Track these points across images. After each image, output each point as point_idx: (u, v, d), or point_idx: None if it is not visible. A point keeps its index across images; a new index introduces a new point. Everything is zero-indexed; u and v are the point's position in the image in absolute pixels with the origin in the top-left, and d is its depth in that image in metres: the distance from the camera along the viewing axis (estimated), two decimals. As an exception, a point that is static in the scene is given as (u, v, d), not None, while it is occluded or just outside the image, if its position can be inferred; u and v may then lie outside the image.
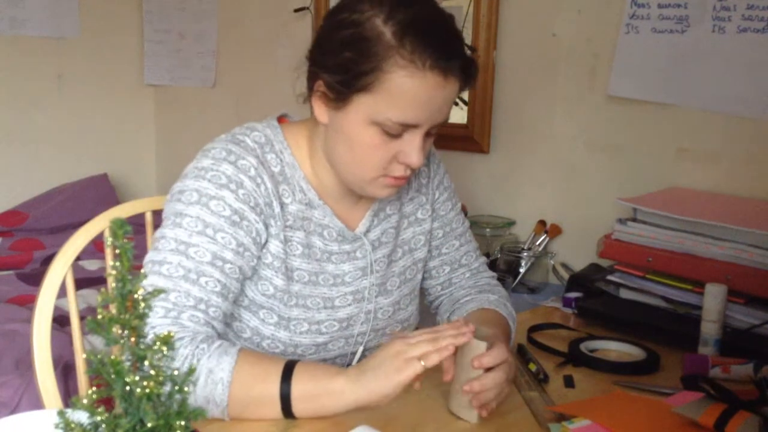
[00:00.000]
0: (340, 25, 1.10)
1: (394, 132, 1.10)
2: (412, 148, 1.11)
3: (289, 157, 1.20)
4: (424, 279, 1.39)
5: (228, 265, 1.12)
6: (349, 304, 1.25)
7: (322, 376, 1.05)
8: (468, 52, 1.12)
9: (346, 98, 1.10)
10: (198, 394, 1.03)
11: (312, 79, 1.15)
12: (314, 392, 1.04)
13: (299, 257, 1.20)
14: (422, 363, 1.01)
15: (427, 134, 1.13)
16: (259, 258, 1.17)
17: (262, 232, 1.15)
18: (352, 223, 1.26)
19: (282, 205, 1.18)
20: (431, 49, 1.05)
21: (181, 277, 1.09)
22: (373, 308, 1.27)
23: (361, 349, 1.28)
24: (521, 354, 1.37)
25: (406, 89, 1.06)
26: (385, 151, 1.12)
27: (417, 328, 1.37)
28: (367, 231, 1.27)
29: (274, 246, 1.17)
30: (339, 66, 1.09)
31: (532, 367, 1.29)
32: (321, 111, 1.15)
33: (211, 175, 1.13)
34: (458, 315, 1.32)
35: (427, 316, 1.44)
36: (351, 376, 1.04)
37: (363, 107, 1.09)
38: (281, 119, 1.27)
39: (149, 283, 1.07)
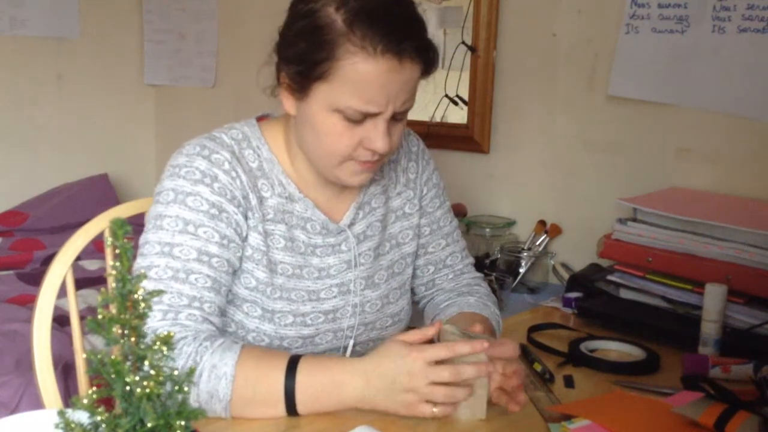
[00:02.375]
0: (297, 16, 1.12)
1: (356, 118, 1.10)
2: (376, 134, 1.12)
3: (267, 153, 1.21)
4: (411, 277, 1.39)
5: (215, 259, 1.13)
6: (335, 296, 1.25)
7: (328, 373, 1.06)
8: (427, 35, 1.13)
9: (307, 88, 1.11)
10: (201, 389, 1.04)
11: (278, 71, 1.17)
12: (319, 390, 1.05)
13: (282, 250, 1.21)
14: (435, 410, 1.03)
15: (395, 119, 1.13)
16: (243, 249, 1.18)
17: (243, 223, 1.16)
18: (336, 216, 1.26)
19: (261, 198, 1.19)
20: (381, 34, 1.06)
21: (170, 278, 1.09)
22: (360, 301, 1.27)
23: (351, 343, 1.28)
24: (524, 354, 1.37)
25: (360, 75, 1.07)
26: (349, 138, 1.12)
27: (409, 326, 1.37)
28: (352, 224, 1.27)
29: (253, 238, 1.18)
30: (296, 56, 1.11)
31: (537, 367, 1.29)
32: (288, 102, 1.16)
33: (185, 172, 1.14)
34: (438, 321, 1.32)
35: (419, 312, 1.44)
36: (358, 380, 1.05)
37: (322, 96, 1.10)
38: (263, 118, 1.28)
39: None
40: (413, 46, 1.09)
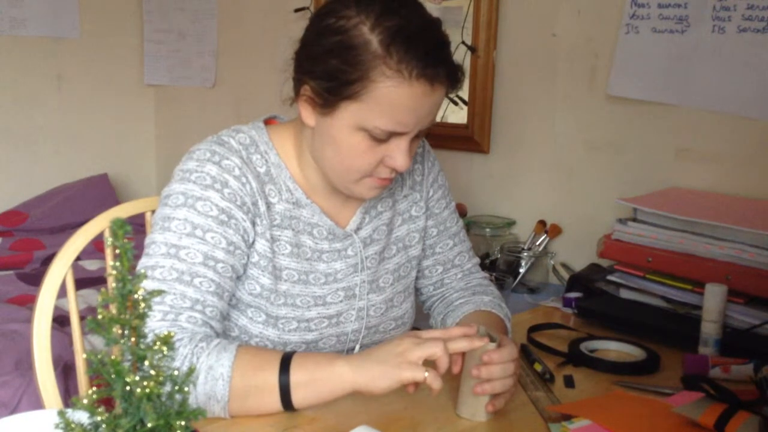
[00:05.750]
0: (327, 31, 1.10)
1: (382, 137, 1.10)
2: (399, 153, 1.12)
3: (275, 158, 1.21)
4: (416, 278, 1.39)
5: (220, 265, 1.12)
6: (341, 301, 1.25)
7: (322, 360, 1.06)
8: (454, 57, 1.12)
9: (334, 105, 1.10)
10: (199, 391, 1.04)
11: (298, 83, 1.15)
12: (313, 377, 1.05)
13: (288, 256, 1.20)
14: (425, 374, 1.02)
15: (415, 137, 1.14)
16: (248, 256, 1.17)
17: (250, 230, 1.16)
18: (343, 221, 1.26)
19: (268, 204, 1.19)
20: (418, 58, 1.05)
21: (174, 280, 1.09)
22: (365, 305, 1.27)
23: (357, 347, 1.28)
24: (525, 354, 1.37)
25: (393, 98, 1.06)
26: (371, 156, 1.12)
27: (413, 327, 1.37)
28: (358, 228, 1.27)
29: (261, 245, 1.17)
30: (326, 73, 1.09)
31: (538, 367, 1.29)
32: (308, 114, 1.15)
33: (196, 177, 1.14)
34: (453, 318, 1.32)
35: (422, 314, 1.44)
36: (352, 361, 1.05)
37: (350, 114, 1.09)
38: (270, 121, 1.28)
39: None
40: (445, 72, 1.09)
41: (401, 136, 1.11)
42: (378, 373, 1.03)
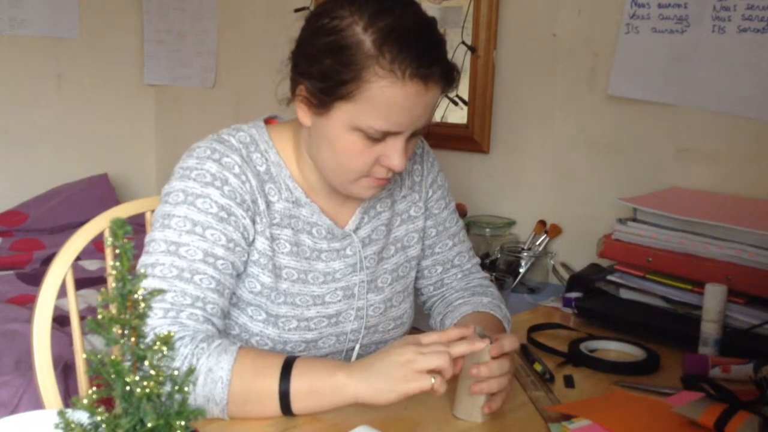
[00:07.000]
0: (321, 31, 1.10)
1: (377, 137, 1.10)
2: (394, 152, 1.12)
3: (275, 156, 1.21)
4: (416, 278, 1.39)
5: (220, 261, 1.12)
6: (339, 300, 1.25)
7: (322, 370, 1.06)
8: (449, 56, 1.12)
9: (328, 105, 1.10)
10: (198, 393, 1.04)
11: (294, 83, 1.15)
12: (313, 387, 1.04)
13: (287, 255, 1.20)
14: (432, 380, 1.01)
15: (411, 136, 1.14)
16: (248, 254, 1.17)
17: (250, 228, 1.16)
18: (342, 221, 1.26)
19: (268, 203, 1.19)
20: (410, 58, 1.05)
21: (175, 277, 1.09)
22: (364, 305, 1.27)
23: (357, 347, 1.28)
24: (525, 354, 1.37)
25: (387, 98, 1.06)
26: (367, 156, 1.12)
27: (412, 327, 1.37)
28: (357, 228, 1.27)
29: (261, 243, 1.18)
30: (320, 73, 1.09)
31: (538, 367, 1.29)
32: (304, 114, 1.15)
33: (196, 174, 1.14)
34: (451, 318, 1.32)
35: (421, 314, 1.44)
36: (353, 372, 1.04)
37: (344, 114, 1.09)
38: (271, 120, 1.28)
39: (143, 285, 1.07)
40: (440, 71, 1.09)
41: (396, 135, 1.11)
42: (383, 387, 1.02)
